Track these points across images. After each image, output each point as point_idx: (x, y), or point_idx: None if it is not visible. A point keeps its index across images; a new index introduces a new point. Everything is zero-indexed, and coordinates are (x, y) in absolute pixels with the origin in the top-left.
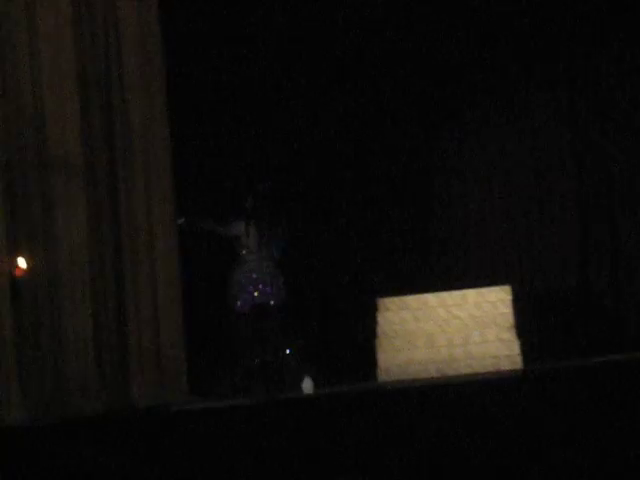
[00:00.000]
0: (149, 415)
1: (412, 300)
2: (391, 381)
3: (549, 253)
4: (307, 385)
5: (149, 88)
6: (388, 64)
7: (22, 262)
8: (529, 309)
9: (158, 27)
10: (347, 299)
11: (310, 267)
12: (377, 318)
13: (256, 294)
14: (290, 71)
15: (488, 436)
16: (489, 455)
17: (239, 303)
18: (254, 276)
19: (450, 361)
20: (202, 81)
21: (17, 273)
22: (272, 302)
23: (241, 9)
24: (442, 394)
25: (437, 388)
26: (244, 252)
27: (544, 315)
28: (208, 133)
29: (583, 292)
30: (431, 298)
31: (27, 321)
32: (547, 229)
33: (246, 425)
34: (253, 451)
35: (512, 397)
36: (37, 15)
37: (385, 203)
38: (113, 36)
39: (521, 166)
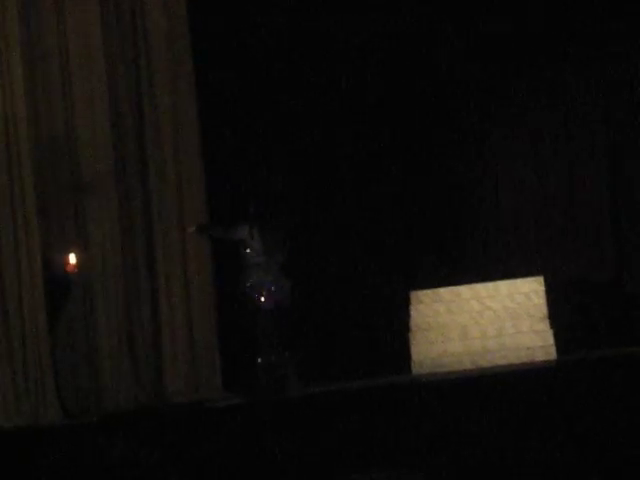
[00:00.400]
0: (182, 411)
1: (445, 292)
2: (425, 374)
3: (582, 243)
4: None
5: (178, 95)
6: (421, 60)
7: (73, 258)
8: (562, 300)
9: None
10: (381, 293)
11: (343, 261)
12: (410, 311)
13: (262, 298)
14: (304, 70)
15: (523, 427)
16: (525, 446)
17: (262, 300)
18: (260, 279)
19: (484, 353)
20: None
21: (68, 269)
22: (275, 303)
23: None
24: (476, 386)
25: (471, 380)
26: (249, 256)
27: (577, 305)
28: (211, 139)
29: (616, 281)
30: (464, 290)
31: (61, 319)
32: (580, 219)
33: (279, 420)
34: (287, 445)
35: (546, 388)
36: (69, 42)
37: (418, 195)
38: (144, 62)
39: (554, 155)
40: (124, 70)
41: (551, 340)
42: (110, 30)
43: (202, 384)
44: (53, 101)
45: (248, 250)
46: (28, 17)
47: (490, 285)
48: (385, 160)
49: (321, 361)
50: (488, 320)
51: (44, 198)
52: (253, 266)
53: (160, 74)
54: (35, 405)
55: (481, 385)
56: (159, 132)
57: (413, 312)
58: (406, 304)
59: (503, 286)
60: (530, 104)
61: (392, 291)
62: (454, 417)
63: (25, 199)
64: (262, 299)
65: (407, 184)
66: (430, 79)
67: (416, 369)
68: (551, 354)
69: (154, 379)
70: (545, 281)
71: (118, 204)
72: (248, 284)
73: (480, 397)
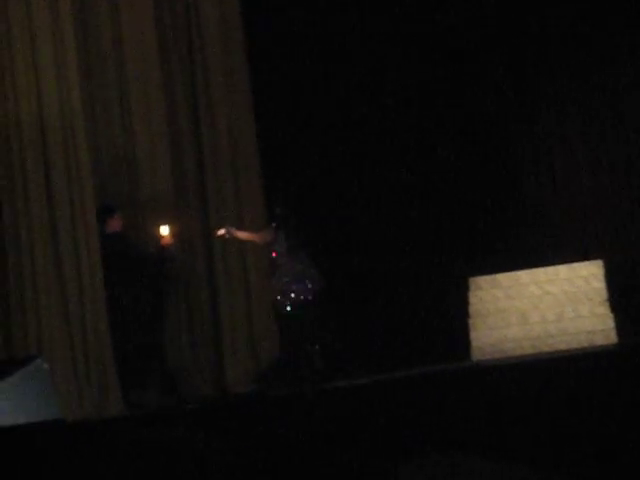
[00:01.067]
0: (244, 401)
1: (504, 278)
2: (485, 359)
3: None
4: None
5: (235, 104)
6: (474, 50)
7: (165, 230)
8: (622, 283)
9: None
10: (439, 279)
11: (403, 248)
12: (469, 297)
13: (293, 295)
14: (348, 69)
15: (585, 412)
16: (586, 431)
17: (284, 303)
18: (287, 279)
19: (544, 337)
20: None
21: (164, 242)
22: (309, 298)
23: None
24: (537, 371)
25: (532, 365)
26: (276, 257)
27: (637, 288)
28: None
29: None
30: (523, 275)
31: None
32: (638, 201)
33: (338, 407)
34: (349, 431)
35: (608, 372)
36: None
37: (475, 181)
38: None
39: (611, 137)
40: (181, 92)
41: (612, 324)
42: (166, 43)
43: (262, 375)
44: (110, 114)
45: (274, 253)
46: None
47: (549, 269)
48: (442, 146)
49: (382, 349)
50: (547, 305)
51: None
52: (278, 267)
53: (217, 90)
54: (97, 397)
55: (542, 370)
56: (217, 152)
57: (472, 298)
58: (465, 290)
59: (562, 270)
60: (583, 85)
61: (451, 277)
62: (516, 403)
63: (84, 199)
64: (287, 302)
65: (465, 170)
66: (476, 65)
67: (476, 355)
68: (612, 338)
69: (215, 369)
70: (604, 264)
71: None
72: (276, 286)
73: (541, 382)
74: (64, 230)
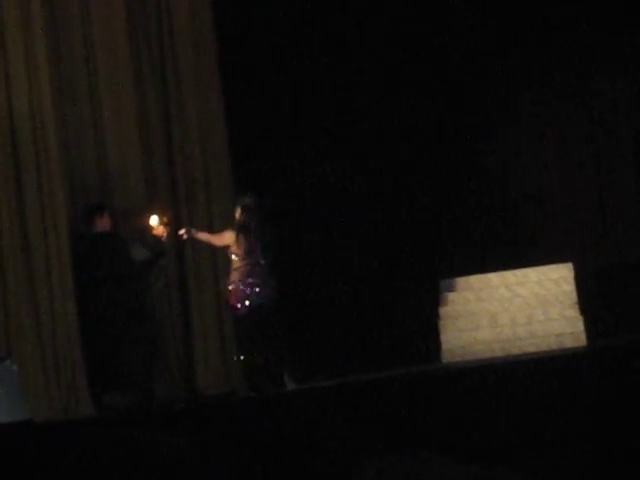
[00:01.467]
0: (214, 403)
1: (474, 280)
2: (455, 362)
3: (610, 228)
4: (289, 382)
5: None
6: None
7: (154, 220)
8: (591, 286)
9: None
10: (409, 281)
11: (371, 250)
12: (440, 299)
13: (247, 301)
14: (322, 71)
15: (554, 414)
16: (555, 433)
17: (237, 306)
18: (247, 280)
19: (514, 340)
20: None
21: (156, 233)
22: (262, 302)
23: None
24: (507, 373)
25: (502, 367)
26: (235, 259)
27: (607, 291)
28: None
29: None
30: (493, 277)
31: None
32: (608, 204)
33: (313, 408)
34: (322, 434)
35: (577, 375)
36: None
37: (445, 183)
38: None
39: (582, 141)
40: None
41: (581, 327)
42: (136, 41)
43: (234, 378)
44: (82, 111)
45: (233, 255)
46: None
47: (519, 272)
48: (411, 150)
49: (352, 351)
50: (517, 307)
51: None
52: (239, 268)
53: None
54: (66, 399)
55: (511, 372)
56: (188, 155)
57: (442, 300)
58: (435, 292)
59: (532, 273)
60: (554, 89)
61: (421, 279)
62: (484, 405)
63: (54, 200)
64: (238, 304)
65: (436, 172)
66: (452, 69)
67: (446, 357)
68: (581, 341)
69: (186, 375)
70: (574, 267)
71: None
72: (230, 287)
73: (510, 384)
74: (34, 232)
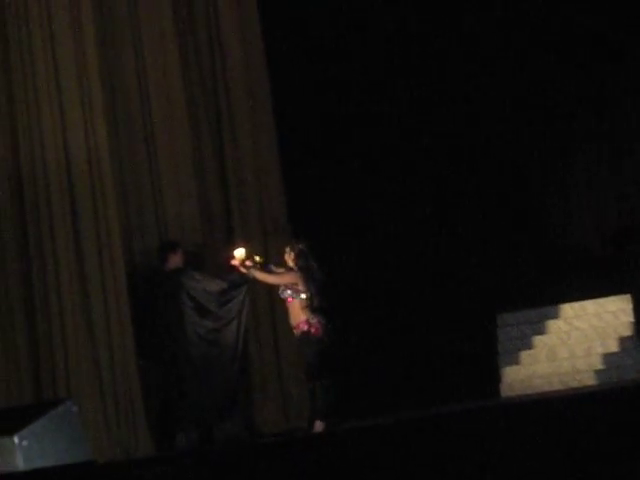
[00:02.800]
0: (273, 443)
1: (532, 314)
2: (515, 396)
3: None
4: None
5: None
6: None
7: (240, 252)
8: None
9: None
10: (468, 316)
11: (431, 285)
12: (497, 334)
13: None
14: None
15: (616, 449)
16: (617, 466)
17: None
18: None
19: (573, 373)
20: None
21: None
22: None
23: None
24: (567, 407)
25: (562, 401)
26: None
27: None
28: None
29: None
30: (550, 311)
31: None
32: None
33: (369, 445)
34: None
35: (638, 407)
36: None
37: (503, 217)
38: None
39: (634, 171)
40: (206, 123)
41: None
42: (191, 85)
43: (292, 415)
44: (138, 153)
45: (289, 293)
46: (108, 58)
47: (577, 305)
48: (471, 180)
49: (411, 386)
50: (576, 340)
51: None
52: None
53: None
54: (127, 439)
55: (572, 406)
56: (242, 187)
57: (500, 334)
58: (493, 327)
59: (590, 305)
60: (608, 122)
61: (479, 314)
62: (545, 439)
63: (111, 239)
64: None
65: (493, 206)
66: (504, 99)
67: (506, 391)
68: None
69: (245, 410)
70: (632, 299)
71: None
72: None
73: (572, 417)
74: (92, 274)
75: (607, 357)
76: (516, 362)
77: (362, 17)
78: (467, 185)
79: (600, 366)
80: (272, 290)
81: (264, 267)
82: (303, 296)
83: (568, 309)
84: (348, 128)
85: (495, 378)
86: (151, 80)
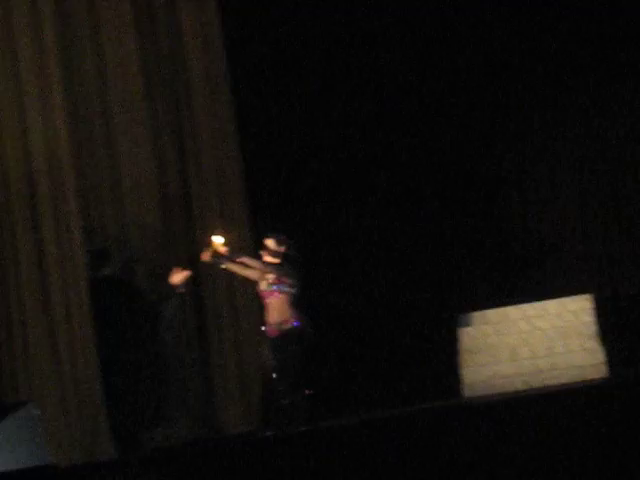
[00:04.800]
0: (236, 442)
1: (493, 314)
2: (477, 396)
3: (628, 259)
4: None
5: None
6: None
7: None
8: (611, 316)
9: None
10: (428, 316)
11: (390, 286)
12: (459, 334)
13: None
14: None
15: (577, 447)
16: (578, 466)
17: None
18: (267, 319)
19: (535, 373)
20: None
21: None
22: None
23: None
24: (529, 407)
25: (524, 401)
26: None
27: (627, 322)
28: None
29: None
30: (512, 311)
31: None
32: (625, 235)
33: (326, 447)
34: (338, 472)
35: (599, 406)
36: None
37: (463, 218)
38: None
39: (597, 172)
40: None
41: (602, 358)
42: (149, 71)
43: (254, 416)
44: (95, 140)
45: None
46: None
47: (538, 305)
48: (434, 182)
49: (371, 388)
50: (538, 340)
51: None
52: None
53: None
54: (89, 442)
55: (533, 406)
56: (203, 182)
57: (461, 335)
58: (454, 327)
59: (551, 305)
60: (568, 120)
61: (440, 314)
62: (506, 439)
63: (72, 242)
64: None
65: (454, 207)
66: (471, 103)
67: (467, 392)
68: (602, 372)
69: (206, 412)
70: (593, 298)
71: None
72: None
73: (533, 417)
74: (53, 275)
75: (569, 357)
76: (478, 362)
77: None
78: (427, 186)
79: (562, 366)
80: (233, 286)
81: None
82: (292, 290)
83: (529, 309)
84: (307, 115)
85: (456, 379)
86: (110, 71)
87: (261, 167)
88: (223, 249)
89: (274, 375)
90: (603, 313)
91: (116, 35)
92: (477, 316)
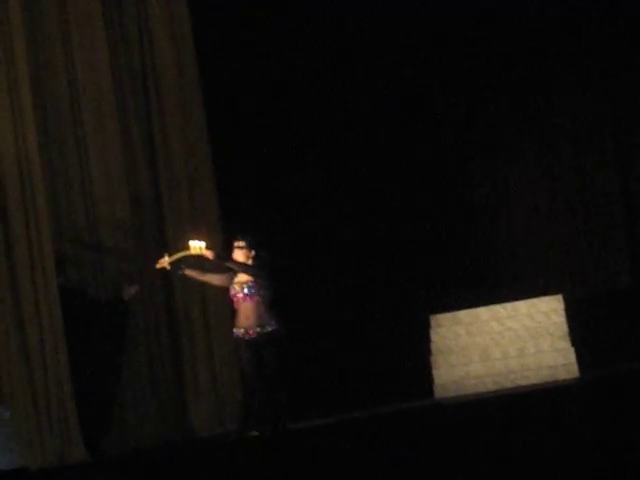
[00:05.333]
0: (208, 444)
1: (464, 315)
2: (448, 397)
3: (599, 259)
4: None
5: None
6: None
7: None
8: (582, 317)
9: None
10: (400, 317)
11: (362, 286)
12: (430, 335)
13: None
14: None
15: (548, 446)
16: (550, 465)
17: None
18: (242, 323)
19: (506, 373)
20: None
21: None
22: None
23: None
24: (500, 407)
25: (495, 401)
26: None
27: (597, 322)
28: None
29: (635, 295)
30: (483, 312)
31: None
32: (595, 235)
33: (306, 449)
34: (312, 472)
35: (570, 406)
36: (79, 86)
37: (434, 219)
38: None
39: (566, 173)
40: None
41: (573, 358)
42: (120, 72)
43: (226, 418)
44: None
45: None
46: (36, 55)
47: (509, 305)
48: (403, 184)
49: (343, 388)
50: (509, 340)
51: (60, 241)
52: (236, 311)
53: (171, 116)
54: (60, 445)
55: (504, 406)
56: (174, 184)
57: (433, 336)
58: (426, 328)
59: (522, 306)
60: (539, 124)
61: (412, 315)
62: (478, 439)
63: (42, 244)
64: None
65: (424, 207)
66: (441, 100)
67: (438, 393)
68: (573, 372)
69: (178, 414)
70: (564, 299)
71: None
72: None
73: (504, 418)
74: (23, 276)
75: (540, 357)
76: (449, 363)
77: (295, 11)
78: (399, 187)
79: (533, 366)
80: (205, 289)
81: (219, 259)
82: (267, 292)
83: (501, 310)
84: (278, 119)
85: (428, 379)
86: (80, 76)
87: (232, 169)
88: (208, 252)
89: (253, 377)
90: (574, 313)
91: (85, 31)
92: (449, 317)
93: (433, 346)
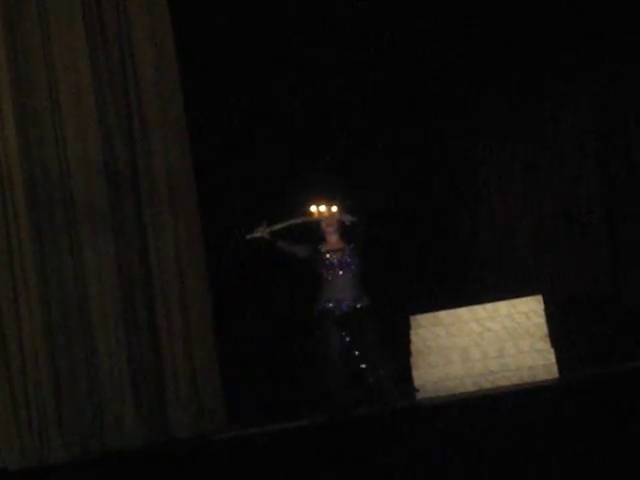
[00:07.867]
0: (189, 446)
1: (445, 315)
2: (428, 397)
3: (579, 260)
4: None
5: (169, 120)
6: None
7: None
8: (562, 317)
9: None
10: (380, 318)
11: None
12: (410, 335)
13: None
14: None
15: (527, 447)
16: (529, 466)
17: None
18: (335, 296)
19: (486, 374)
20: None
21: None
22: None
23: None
24: (480, 408)
25: (475, 402)
26: (324, 273)
27: (577, 322)
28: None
29: (615, 296)
30: (464, 312)
31: (62, 359)
32: (576, 236)
33: (286, 451)
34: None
35: (549, 407)
36: (59, 88)
37: (414, 219)
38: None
39: (548, 174)
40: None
41: (552, 359)
42: (99, 71)
43: (207, 418)
44: (45, 136)
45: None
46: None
47: (489, 306)
48: (381, 184)
49: (321, 390)
50: (489, 341)
51: (39, 231)
52: (327, 283)
53: (151, 121)
54: (39, 445)
55: (484, 407)
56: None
57: (413, 336)
58: (406, 328)
59: (502, 307)
60: (519, 122)
61: (392, 316)
62: (458, 440)
63: (20, 234)
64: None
65: (405, 208)
66: (421, 94)
67: (418, 393)
68: (553, 373)
69: (158, 415)
70: (544, 300)
71: (114, 237)
72: (328, 303)
73: (483, 419)
74: (0, 275)
75: (519, 358)
76: (429, 364)
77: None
78: (377, 188)
79: (512, 367)
80: (185, 287)
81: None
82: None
83: (481, 310)
84: (259, 116)
85: (408, 380)
86: (60, 76)
87: (212, 166)
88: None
89: (355, 353)
90: (554, 314)
91: (65, 30)
92: (429, 318)
93: (413, 347)
